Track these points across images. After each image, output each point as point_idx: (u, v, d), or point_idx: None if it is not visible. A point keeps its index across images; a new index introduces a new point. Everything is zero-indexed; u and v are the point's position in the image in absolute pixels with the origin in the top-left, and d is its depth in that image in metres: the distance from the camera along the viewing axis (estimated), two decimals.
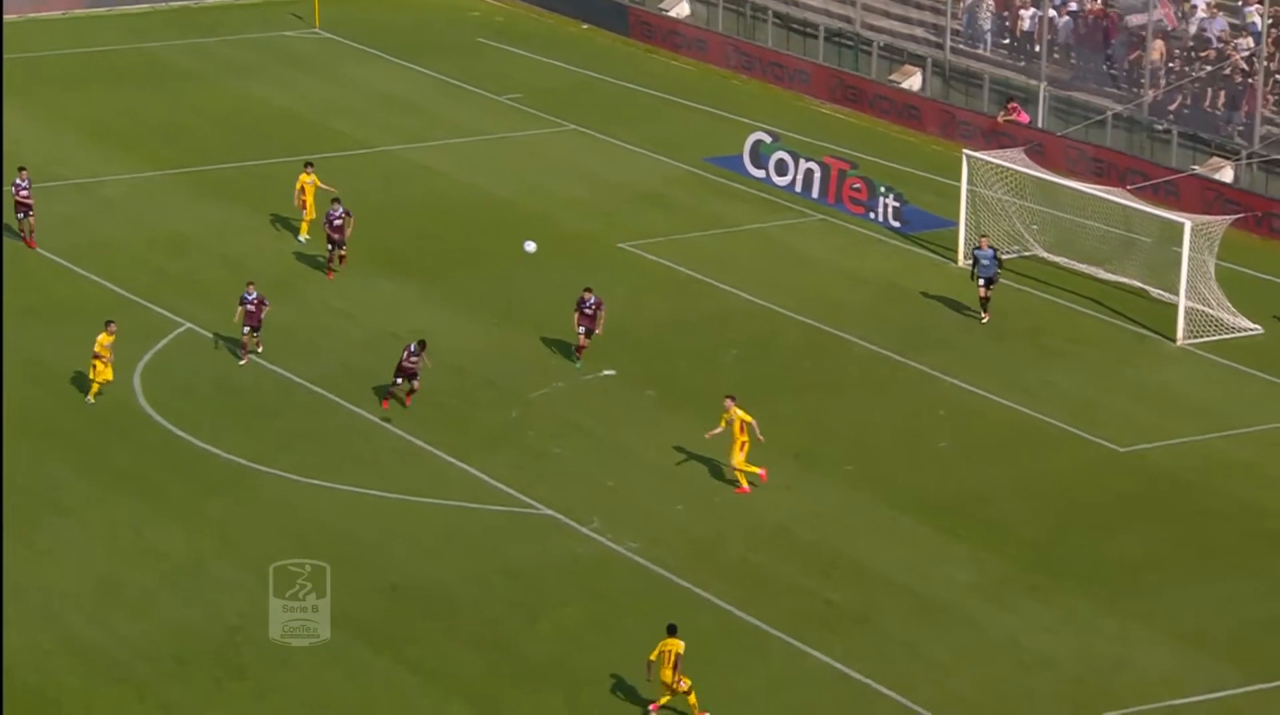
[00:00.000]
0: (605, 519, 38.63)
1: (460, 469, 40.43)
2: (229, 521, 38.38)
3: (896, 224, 53.05)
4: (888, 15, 64.58)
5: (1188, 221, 47.48)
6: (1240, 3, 58.23)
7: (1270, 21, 55.90)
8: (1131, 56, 58.35)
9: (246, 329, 44.31)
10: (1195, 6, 58.26)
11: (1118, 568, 37.35)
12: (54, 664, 34.06)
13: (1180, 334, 46.94)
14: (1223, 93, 56.43)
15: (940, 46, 62.52)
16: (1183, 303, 46.97)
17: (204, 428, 41.64)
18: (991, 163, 51.26)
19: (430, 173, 56.52)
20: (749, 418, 39.34)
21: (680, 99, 62.56)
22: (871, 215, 53.55)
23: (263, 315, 44.26)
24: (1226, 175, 55.09)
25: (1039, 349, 46.36)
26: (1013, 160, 51.42)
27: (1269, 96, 55.55)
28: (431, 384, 43.42)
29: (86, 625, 35.16)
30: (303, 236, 50.83)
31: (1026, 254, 50.78)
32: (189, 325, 46.41)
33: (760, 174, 56.00)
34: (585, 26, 69.29)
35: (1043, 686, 34.07)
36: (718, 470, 40.39)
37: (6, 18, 66.33)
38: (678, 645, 32.74)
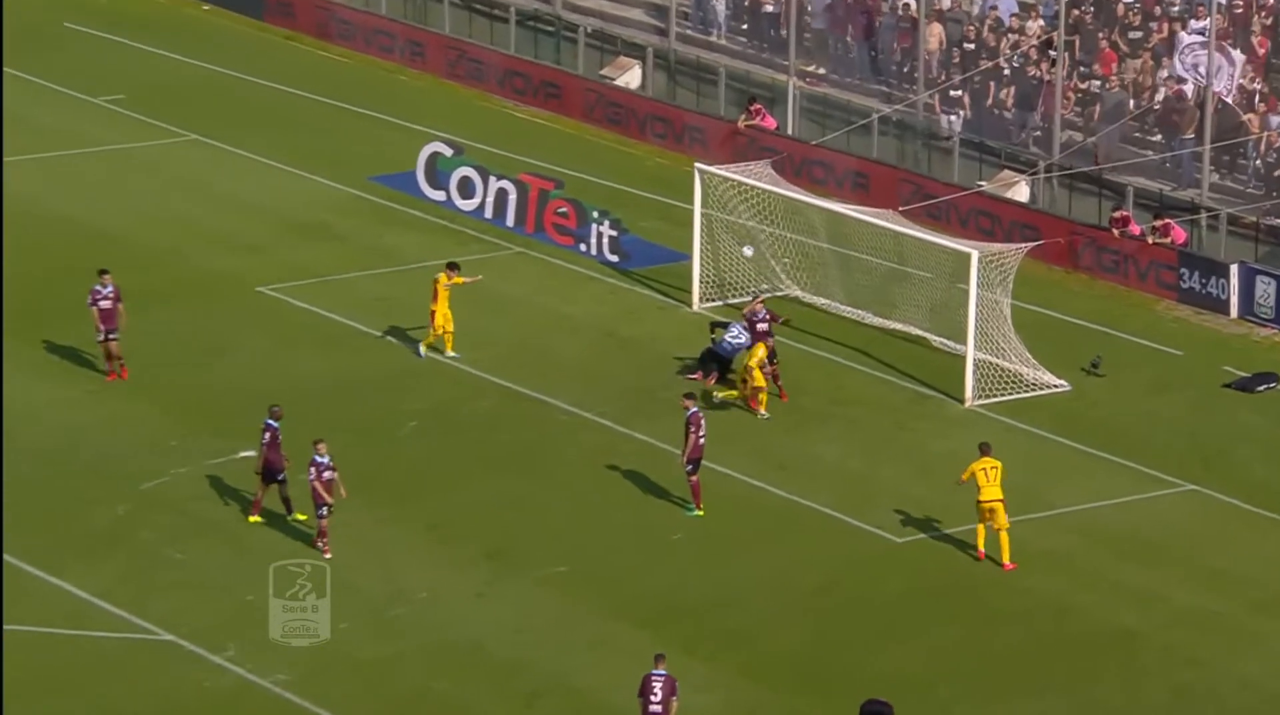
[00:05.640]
0: (244, 644, 38.17)
1: (54, 586, 39.81)
2: None
3: (614, 258, 53.26)
4: None
5: (975, 251, 48.10)
6: None
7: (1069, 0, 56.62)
8: (902, 45, 59.11)
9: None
10: None
11: (896, 684, 37.48)
12: None
13: (969, 392, 47.51)
14: (1013, 89, 57.29)
15: (664, 33, 62.91)
16: (971, 353, 47.55)
17: None
18: (731, 179, 51.59)
19: (6, 197, 55.21)
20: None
21: (334, 100, 62.43)
22: (582, 247, 53.68)
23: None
24: (1021, 193, 55.93)
25: (796, 413, 46.66)
26: (757, 176, 51.79)
27: (1070, 94, 56.37)
28: (16, 475, 42.58)
29: None
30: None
31: (778, 294, 51.11)
32: None
33: (439, 196, 55.88)
34: (207, 8, 69.03)
35: None
36: (393, 575, 40.14)
37: None
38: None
